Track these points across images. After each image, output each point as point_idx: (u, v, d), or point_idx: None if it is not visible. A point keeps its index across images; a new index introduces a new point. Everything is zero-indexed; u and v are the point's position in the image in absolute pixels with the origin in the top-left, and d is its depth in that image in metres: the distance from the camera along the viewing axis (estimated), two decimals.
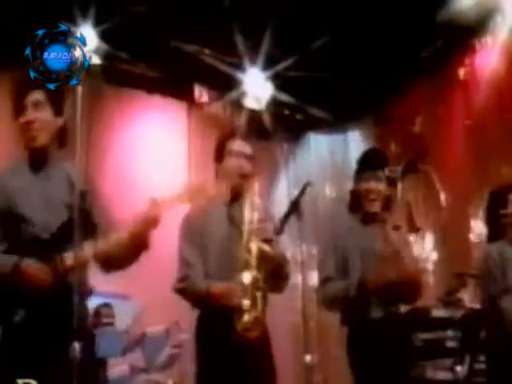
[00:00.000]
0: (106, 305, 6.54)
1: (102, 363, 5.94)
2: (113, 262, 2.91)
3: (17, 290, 2.67)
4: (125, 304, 6.99)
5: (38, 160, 2.93)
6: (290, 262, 3.54)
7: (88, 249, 2.73)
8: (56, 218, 2.81)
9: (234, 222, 3.47)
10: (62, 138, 2.96)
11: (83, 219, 2.69)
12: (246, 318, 3.21)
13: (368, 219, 3.81)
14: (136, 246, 2.83)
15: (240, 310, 3.21)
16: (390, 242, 3.65)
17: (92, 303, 6.41)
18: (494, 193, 4.37)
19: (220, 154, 3.61)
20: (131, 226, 2.78)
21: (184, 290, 3.42)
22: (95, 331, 6.18)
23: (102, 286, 7.04)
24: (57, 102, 2.93)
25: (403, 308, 3.81)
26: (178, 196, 2.87)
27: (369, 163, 3.86)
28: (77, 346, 2.51)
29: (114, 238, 2.79)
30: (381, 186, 3.79)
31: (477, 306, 5.17)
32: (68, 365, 2.49)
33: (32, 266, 2.69)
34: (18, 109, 2.88)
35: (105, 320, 6.42)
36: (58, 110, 2.93)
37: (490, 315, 4.18)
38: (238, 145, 3.59)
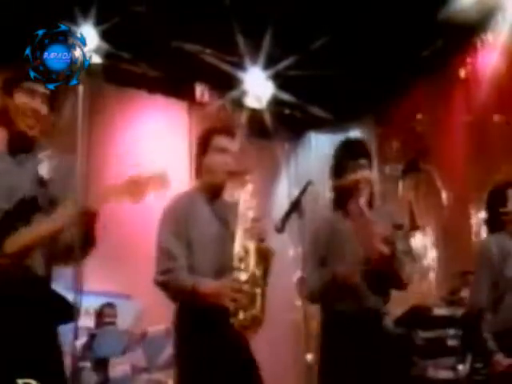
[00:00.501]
0: (110, 304, 6.55)
1: (103, 363, 5.95)
2: (58, 254, 2.83)
3: None
4: (126, 303, 6.99)
5: (20, 146, 2.86)
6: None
7: (28, 232, 2.67)
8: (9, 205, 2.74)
9: (219, 220, 3.44)
10: (49, 134, 2.95)
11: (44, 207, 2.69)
12: (243, 315, 3.18)
13: (351, 213, 3.64)
14: (82, 240, 2.72)
15: (236, 308, 3.17)
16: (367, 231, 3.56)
17: (95, 303, 6.48)
18: (494, 189, 4.36)
19: (204, 147, 3.53)
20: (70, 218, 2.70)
21: (166, 283, 3.30)
22: (97, 330, 6.21)
23: (104, 286, 7.09)
24: (53, 98, 2.90)
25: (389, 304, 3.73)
26: (114, 189, 2.80)
27: (353, 153, 3.70)
28: (78, 344, 2.51)
29: (55, 223, 2.72)
30: (368, 174, 3.66)
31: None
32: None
33: None
34: (23, 92, 2.83)
35: (107, 319, 6.43)
36: (52, 107, 2.90)
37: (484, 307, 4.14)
38: (223, 141, 3.52)
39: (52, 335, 2.74)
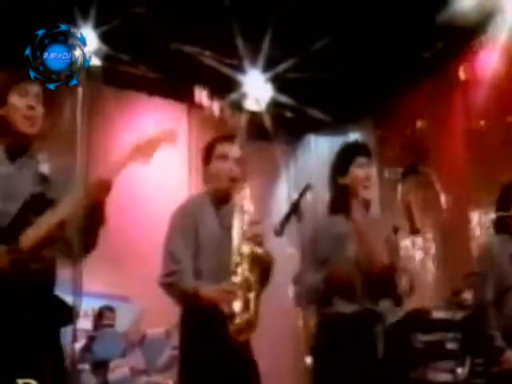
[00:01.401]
0: (108, 307, 6.55)
1: (102, 365, 5.94)
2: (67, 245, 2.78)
3: None
4: (125, 306, 6.99)
5: (19, 149, 2.84)
6: (275, 263, 3.53)
7: (39, 224, 2.66)
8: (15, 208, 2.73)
9: (224, 226, 3.49)
10: (46, 135, 2.93)
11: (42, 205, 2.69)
12: (238, 320, 3.21)
13: (350, 213, 3.63)
14: (92, 218, 2.73)
15: (232, 313, 3.21)
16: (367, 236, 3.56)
17: (95, 305, 6.48)
18: (502, 190, 4.38)
19: (208, 156, 3.62)
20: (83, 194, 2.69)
21: (170, 285, 3.38)
22: (96, 333, 6.21)
23: (103, 288, 7.08)
24: (47, 99, 2.90)
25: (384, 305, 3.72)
26: (128, 155, 2.83)
27: (357, 151, 3.73)
28: (77, 346, 2.50)
29: (64, 209, 2.70)
30: (372, 172, 3.69)
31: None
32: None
33: None
34: (18, 93, 2.81)
35: (105, 322, 6.43)
36: (47, 107, 2.90)
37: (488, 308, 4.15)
38: (226, 148, 3.60)
39: (53, 337, 2.73)
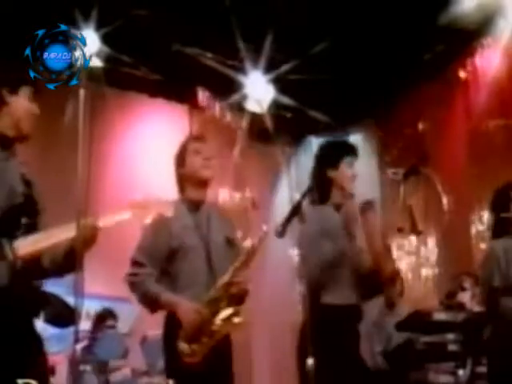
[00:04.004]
0: (110, 308, 6.54)
1: (103, 366, 5.95)
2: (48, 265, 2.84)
3: None
4: (126, 307, 6.98)
5: (12, 143, 2.88)
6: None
7: (37, 240, 2.69)
8: (5, 203, 2.75)
9: (200, 229, 3.67)
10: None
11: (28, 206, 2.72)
12: (194, 344, 3.39)
13: (338, 207, 3.81)
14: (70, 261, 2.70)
15: (191, 332, 3.40)
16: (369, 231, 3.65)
17: (96, 307, 6.48)
18: (498, 191, 4.39)
19: (182, 157, 3.79)
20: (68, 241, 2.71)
21: (131, 284, 3.61)
22: (98, 334, 6.21)
23: (104, 289, 7.08)
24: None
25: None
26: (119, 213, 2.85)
27: (349, 150, 3.92)
28: (78, 347, 2.50)
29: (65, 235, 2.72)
30: (357, 172, 3.86)
31: (477, 308, 5.18)
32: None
33: None
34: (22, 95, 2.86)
35: (107, 323, 6.43)
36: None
37: (491, 313, 4.18)
38: (198, 145, 3.78)
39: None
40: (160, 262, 3.62)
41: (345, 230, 3.73)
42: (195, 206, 3.74)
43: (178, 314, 3.44)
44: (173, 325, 3.50)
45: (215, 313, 3.46)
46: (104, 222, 2.77)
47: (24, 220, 2.74)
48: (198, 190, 3.75)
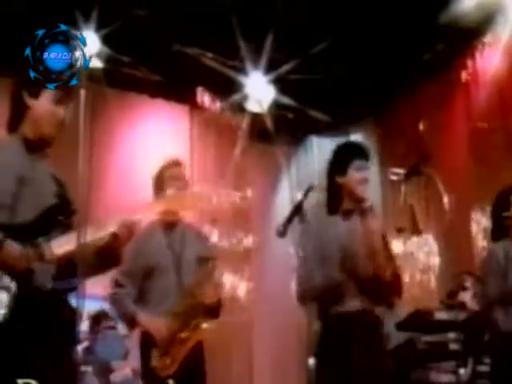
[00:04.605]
0: (105, 310, 6.52)
1: (105, 367, 5.95)
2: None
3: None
4: None
5: (38, 147, 2.87)
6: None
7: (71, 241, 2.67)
8: (42, 205, 2.76)
9: (174, 249, 3.98)
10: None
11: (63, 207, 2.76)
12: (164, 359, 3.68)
13: (349, 213, 3.70)
14: (106, 258, 2.82)
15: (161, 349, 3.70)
16: (370, 236, 3.58)
17: (94, 307, 6.46)
18: (499, 194, 4.40)
19: (160, 184, 4.06)
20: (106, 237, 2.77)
21: (111, 304, 4.05)
22: (97, 335, 6.20)
23: (105, 290, 7.07)
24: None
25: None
26: (153, 204, 2.98)
27: (357, 153, 3.77)
28: (79, 348, 2.49)
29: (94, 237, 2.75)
30: (369, 174, 3.75)
31: (478, 307, 5.18)
32: (67, 366, 2.49)
33: (14, 248, 2.60)
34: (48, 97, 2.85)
35: (107, 324, 6.42)
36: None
37: (485, 319, 4.19)
38: (174, 171, 4.11)
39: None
40: (138, 282, 3.94)
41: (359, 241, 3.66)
42: (170, 226, 4.02)
43: (150, 332, 3.74)
44: (147, 342, 3.78)
45: (185, 325, 3.74)
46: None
47: (60, 220, 2.77)
48: (174, 214, 3.98)
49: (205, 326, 3.80)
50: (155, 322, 3.77)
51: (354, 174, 3.66)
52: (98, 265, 2.81)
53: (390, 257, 3.64)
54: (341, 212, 3.71)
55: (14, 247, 2.61)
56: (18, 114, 2.85)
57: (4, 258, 2.58)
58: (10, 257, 2.58)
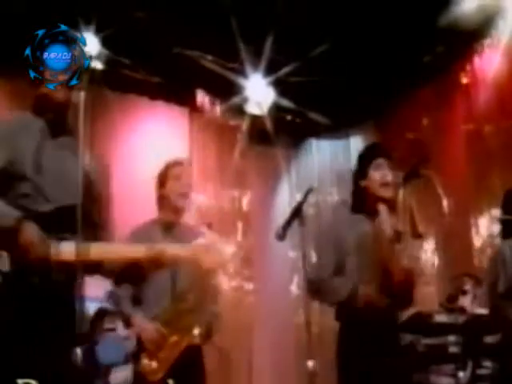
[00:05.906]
0: (110, 311, 6.52)
1: (104, 369, 5.93)
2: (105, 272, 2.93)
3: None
4: None
5: (58, 123, 2.85)
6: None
7: (88, 249, 2.58)
8: (67, 193, 2.69)
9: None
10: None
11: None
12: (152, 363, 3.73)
13: (372, 213, 3.74)
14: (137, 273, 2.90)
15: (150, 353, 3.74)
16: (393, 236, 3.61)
17: (94, 308, 6.46)
18: (508, 192, 4.41)
19: (163, 180, 4.09)
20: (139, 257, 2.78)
21: (111, 301, 4.08)
22: (97, 337, 6.19)
23: (103, 291, 7.06)
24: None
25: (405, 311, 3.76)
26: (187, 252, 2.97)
27: (375, 153, 3.85)
28: (78, 351, 2.48)
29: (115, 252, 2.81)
30: (392, 175, 3.77)
31: (478, 310, 5.17)
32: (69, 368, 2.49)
33: (34, 230, 2.52)
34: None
35: (107, 326, 6.41)
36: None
37: (494, 316, 4.19)
38: (177, 170, 4.11)
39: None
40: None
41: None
42: (169, 226, 4.02)
43: (141, 335, 3.78)
44: (139, 345, 3.83)
45: (175, 329, 3.73)
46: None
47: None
48: (174, 214, 4.02)
49: (196, 331, 3.80)
50: (145, 325, 3.78)
51: (373, 175, 3.73)
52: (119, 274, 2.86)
53: (411, 256, 3.67)
54: (365, 212, 3.73)
55: (34, 229, 2.54)
56: None
57: (21, 241, 2.48)
58: (27, 240, 2.50)
